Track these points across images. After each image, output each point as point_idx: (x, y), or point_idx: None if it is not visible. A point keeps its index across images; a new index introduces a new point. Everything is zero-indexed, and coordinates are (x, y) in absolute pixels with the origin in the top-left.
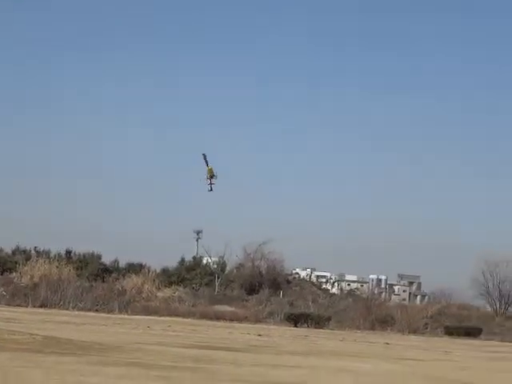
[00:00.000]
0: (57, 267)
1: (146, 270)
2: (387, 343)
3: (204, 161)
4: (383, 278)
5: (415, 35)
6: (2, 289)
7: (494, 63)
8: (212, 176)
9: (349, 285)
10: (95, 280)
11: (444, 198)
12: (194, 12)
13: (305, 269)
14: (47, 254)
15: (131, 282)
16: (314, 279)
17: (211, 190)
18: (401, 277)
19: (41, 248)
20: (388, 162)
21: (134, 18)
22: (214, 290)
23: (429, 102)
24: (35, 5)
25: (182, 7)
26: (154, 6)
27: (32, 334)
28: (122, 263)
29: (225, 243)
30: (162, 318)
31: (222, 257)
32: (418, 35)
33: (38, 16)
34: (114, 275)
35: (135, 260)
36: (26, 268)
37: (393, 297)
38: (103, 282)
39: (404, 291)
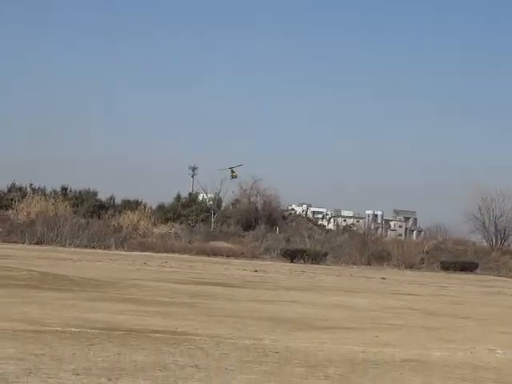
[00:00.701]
0: (53, 204)
1: (142, 207)
2: (383, 278)
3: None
4: (379, 213)
5: None
6: None
7: None
8: (235, 177)
9: (345, 220)
10: (91, 217)
11: (440, 132)
12: None
13: (301, 205)
14: (43, 191)
15: (127, 218)
16: (310, 215)
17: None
18: (397, 212)
19: (36, 185)
20: (382, 98)
21: None
22: (210, 226)
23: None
24: None
25: None
26: None
27: (29, 271)
28: (118, 200)
29: (220, 180)
30: (159, 255)
31: (218, 193)
32: None
33: None
34: (110, 212)
35: (131, 197)
36: (22, 205)
37: (389, 232)
38: (99, 218)
39: (400, 227)
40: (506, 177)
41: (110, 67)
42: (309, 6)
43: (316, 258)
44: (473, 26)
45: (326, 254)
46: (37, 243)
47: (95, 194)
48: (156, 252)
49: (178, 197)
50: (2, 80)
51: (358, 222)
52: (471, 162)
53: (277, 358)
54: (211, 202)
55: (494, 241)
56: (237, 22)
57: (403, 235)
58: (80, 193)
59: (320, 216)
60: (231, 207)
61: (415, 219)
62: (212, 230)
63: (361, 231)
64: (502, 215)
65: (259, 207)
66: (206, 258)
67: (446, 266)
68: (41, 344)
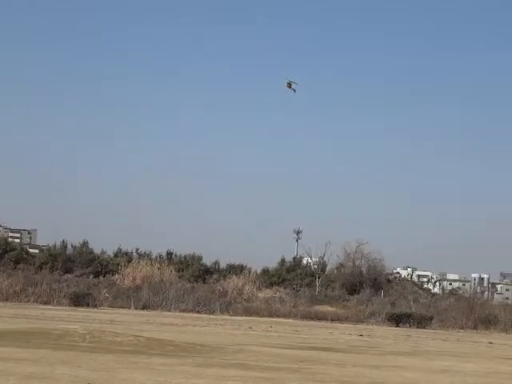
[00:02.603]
0: (158, 269)
1: (247, 271)
2: (491, 343)
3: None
4: (485, 276)
5: None
6: (105, 291)
7: None
8: (290, 85)
9: (450, 284)
10: (196, 281)
11: None
12: None
13: (405, 268)
14: (148, 255)
15: (232, 282)
16: (415, 279)
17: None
18: (503, 275)
19: (142, 250)
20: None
21: None
22: (315, 290)
23: None
24: None
25: None
26: None
27: (136, 336)
28: (223, 264)
29: (324, 243)
30: (264, 319)
31: (322, 257)
32: None
33: None
34: (215, 276)
35: (236, 261)
36: (127, 270)
37: (495, 296)
38: (204, 283)
39: (507, 290)
40: None
41: None
42: None
43: (422, 322)
44: None
45: (431, 318)
46: (142, 308)
47: (200, 258)
48: (261, 316)
49: (283, 261)
50: None
51: (463, 285)
52: None
53: None
54: (315, 266)
55: None
56: None
57: (510, 298)
58: (185, 257)
59: (425, 279)
60: (336, 271)
61: None
62: (316, 294)
63: (467, 295)
64: None
65: (364, 271)
66: (310, 323)
67: None
68: None
